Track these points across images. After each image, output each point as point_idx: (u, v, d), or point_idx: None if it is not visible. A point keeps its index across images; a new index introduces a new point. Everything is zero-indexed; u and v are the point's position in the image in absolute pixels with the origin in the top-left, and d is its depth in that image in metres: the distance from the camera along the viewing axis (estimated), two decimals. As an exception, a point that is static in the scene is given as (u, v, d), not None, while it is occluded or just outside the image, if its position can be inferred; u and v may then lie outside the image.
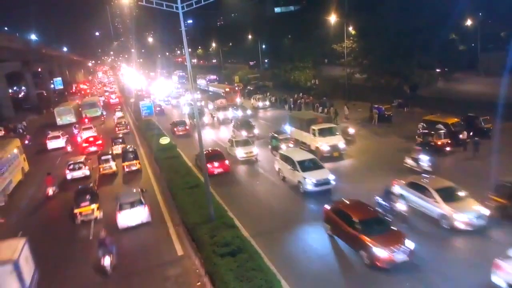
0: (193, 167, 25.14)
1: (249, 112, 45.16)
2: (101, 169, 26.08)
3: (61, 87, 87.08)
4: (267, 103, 50.70)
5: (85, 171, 26.01)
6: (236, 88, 59.69)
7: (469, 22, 54.84)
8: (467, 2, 41.08)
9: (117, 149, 30.36)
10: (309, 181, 20.09)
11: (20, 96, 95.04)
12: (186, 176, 20.66)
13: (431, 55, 38.31)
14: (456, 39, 48.44)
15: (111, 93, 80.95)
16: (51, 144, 36.28)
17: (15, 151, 27.57)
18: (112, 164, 26.29)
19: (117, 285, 14.28)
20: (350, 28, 48.52)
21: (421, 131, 27.63)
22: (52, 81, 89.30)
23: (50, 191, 23.40)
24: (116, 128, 41.58)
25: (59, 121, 49.52)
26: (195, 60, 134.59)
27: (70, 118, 50.11)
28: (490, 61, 49.59)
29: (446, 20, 36.47)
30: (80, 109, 55.88)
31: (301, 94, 49.90)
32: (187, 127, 38.80)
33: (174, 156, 25.41)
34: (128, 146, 29.66)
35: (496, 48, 53.87)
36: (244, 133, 32.60)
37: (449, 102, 37.70)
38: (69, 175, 25.64)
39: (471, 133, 26.60)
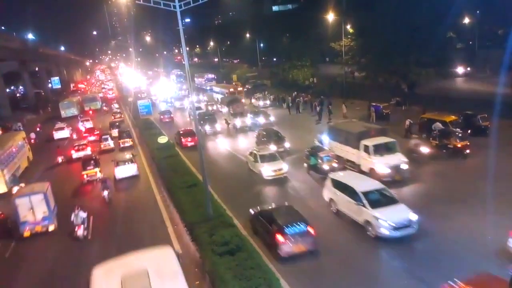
0: (192, 167, 25.12)
1: (272, 118, 39.13)
2: (102, 146, 33.70)
3: (59, 86, 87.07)
4: (268, 102, 50.07)
5: (86, 152, 31.66)
6: (240, 89, 56.93)
7: (466, 20, 55.03)
8: (465, 0, 41.16)
9: (115, 132, 37.77)
10: (385, 223, 14.54)
11: (17, 95, 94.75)
12: (185, 176, 20.66)
13: (429, 53, 38.30)
14: (454, 37, 48.52)
15: (109, 90, 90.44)
16: (57, 135, 41.44)
17: (21, 142, 31.97)
18: (110, 142, 34.19)
19: None
20: (348, 26, 48.54)
21: (436, 132, 25.11)
22: (49, 81, 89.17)
23: (60, 159, 31.92)
24: (112, 117, 49.83)
25: (64, 114, 56.04)
26: (196, 59, 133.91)
27: (73, 111, 56.99)
28: (488, 59, 49.78)
29: (444, 18, 36.47)
30: (82, 103, 63.73)
31: (295, 93, 49.57)
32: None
33: (172, 155, 25.40)
34: (122, 128, 39.87)
35: (494, 46, 54.07)
36: (272, 147, 26.90)
37: (447, 100, 37.75)
38: (75, 155, 31.60)
39: (469, 131, 26.69)
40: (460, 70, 51.72)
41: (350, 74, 48.49)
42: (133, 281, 9.08)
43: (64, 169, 30.73)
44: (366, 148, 21.46)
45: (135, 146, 34.87)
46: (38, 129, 45.64)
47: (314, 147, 24.77)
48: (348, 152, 23.26)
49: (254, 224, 16.40)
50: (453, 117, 27.37)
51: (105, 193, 21.89)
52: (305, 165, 23.74)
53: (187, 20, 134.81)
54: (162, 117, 46.46)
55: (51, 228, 18.81)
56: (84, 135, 39.01)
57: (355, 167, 22.32)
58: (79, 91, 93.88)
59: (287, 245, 13.84)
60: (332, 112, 38.40)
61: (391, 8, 38.26)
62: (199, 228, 14.39)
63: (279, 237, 13.95)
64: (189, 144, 31.84)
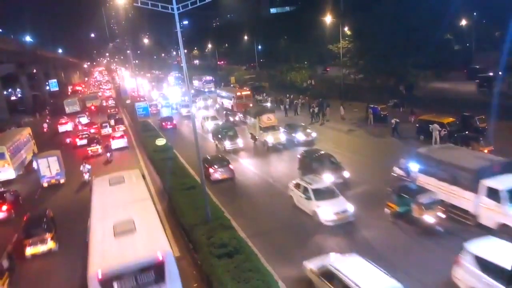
0: (190, 168, 25.06)
1: (314, 134, 31.30)
2: (102, 132, 41.18)
3: (57, 89, 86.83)
4: (269, 104, 48.93)
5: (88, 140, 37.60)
6: (248, 93, 51.14)
7: (464, 22, 55.27)
8: (462, 2, 41.33)
9: (111, 122, 44.97)
10: None
11: (14, 98, 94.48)
12: (184, 178, 20.64)
13: (427, 55, 38.41)
14: (451, 39, 48.68)
15: (106, 89, 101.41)
16: (62, 128, 47.69)
17: (28, 137, 35.65)
18: (109, 129, 41.57)
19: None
20: (346, 29, 48.61)
21: (459, 139, 23.08)
22: (47, 83, 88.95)
23: (68, 140, 40.68)
24: (109, 110, 59.04)
25: (68, 110, 63.39)
26: (196, 61, 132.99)
27: (76, 108, 64.79)
28: (485, 61, 49.90)
29: (441, 20, 36.62)
30: (85, 101, 72.02)
31: (290, 96, 49.43)
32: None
33: (170, 158, 25.36)
34: (117, 117, 48.05)
35: (491, 48, 54.29)
36: (328, 177, 20.37)
37: (444, 101, 37.86)
38: (79, 142, 37.66)
39: (466, 133, 26.75)
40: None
41: (354, 75, 47.78)
42: (116, 181, 16.99)
43: (71, 152, 36.69)
44: (493, 193, 14.60)
45: (126, 129, 42.75)
46: (47, 120, 55.54)
47: (404, 186, 17.34)
48: (457, 196, 16.11)
49: None
50: (451, 118, 27.44)
51: (108, 154, 32.33)
52: (387, 210, 16.81)
53: (185, 22, 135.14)
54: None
55: (62, 181, 26.95)
56: (85, 128, 45.21)
57: (470, 219, 15.54)
58: (79, 92, 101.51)
59: None
60: (326, 114, 38.72)
61: (388, 10, 38.38)
62: (197, 231, 14.37)
63: None
64: (169, 126, 39.71)
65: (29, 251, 16.43)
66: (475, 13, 53.90)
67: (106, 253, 11.11)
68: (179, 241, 16.56)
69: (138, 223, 12.41)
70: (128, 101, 61.97)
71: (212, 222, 14.85)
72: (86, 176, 26.20)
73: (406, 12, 36.81)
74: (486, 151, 21.58)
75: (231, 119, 42.56)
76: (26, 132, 36.00)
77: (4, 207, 21.26)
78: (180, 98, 59.05)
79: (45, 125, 51.39)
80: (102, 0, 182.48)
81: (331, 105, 40.76)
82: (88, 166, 26.85)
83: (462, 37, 57.09)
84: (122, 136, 35.93)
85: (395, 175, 20.54)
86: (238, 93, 49.62)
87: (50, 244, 16.69)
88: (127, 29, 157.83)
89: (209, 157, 25.10)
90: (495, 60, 39.17)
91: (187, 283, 13.67)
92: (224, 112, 45.93)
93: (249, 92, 50.81)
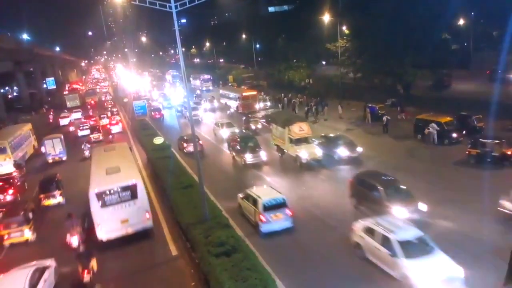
0: (187, 167, 25.06)
1: (359, 149, 25.55)
2: (101, 122, 45.24)
3: (54, 87, 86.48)
4: (268, 103, 48.55)
5: (88, 131, 41.26)
6: (254, 93, 48.16)
7: (461, 22, 55.37)
8: (460, 2, 41.37)
9: (108, 113, 49.36)
10: None
11: (11, 96, 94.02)
12: (181, 177, 20.62)
13: (424, 54, 38.48)
14: (449, 39, 48.75)
15: (103, 86, 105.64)
16: (62, 121, 51.22)
17: (28, 132, 36.93)
18: (107, 120, 46.17)
19: None
20: (344, 28, 48.63)
21: (481, 139, 22.65)
22: (44, 81, 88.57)
23: (71, 128, 46.44)
24: (105, 104, 65.34)
25: (68, 105, 66.86)
26: (197, 59, 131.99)
27: (76, 102, 68.91)
28: (483, 60, 50.04)
29: (439, 19, 36.69)
30: (84, 96, 76.18)
31: (283, 94, 49.40)
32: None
33: (168, 156, 25.32)
34: (114, 110, 53.30)
35: (488, 47, 54.45)
36: (400, 211, 15.45)
37: (442, 101, 37.95)
38: (80, 133, 41.71)
39: (463, 132, 26.84)
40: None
41: (354, 74, 47.75)
42: (109, 149, 23.09)
43: (72, 140, 39.80)
44: None
45: (121, 119, 47.80)
46: (51, 113, 59.42)
47: None
48: None
49: None
50: (448, 118, 27.51)
51: (110, 136, 39.97)
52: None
53: (183, 20, 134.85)
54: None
55: (64, 158, 32.33)
56: (84, 120, 48.75)
57: None
58: (78, 89, 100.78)
59: None
60: (324, 113, 38.96)
61: (386, 9, 38.41)
62: (194, 229, 14.36)
63: None
64: (157, 116, 47.28)
65: (44, 202, 21.79)
66: (472, 13, 53.98)
67: (100, 181, 17.21)
68: (176, 240, 16.57)
69: (122, 168, 18.37)
70: (125, 100, 61.77)
71: (209, 221, 14.84)
72: (87, 153, 31.23)
73: (404, 12, 36.86)
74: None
75: (253, 126, 36.15)
76: (27, 128, 37.29)
77: (11, 191, 23.64)
78: (183, 99, 53.69)
79: (51, 117, 56.63)
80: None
81: (329, 104, 40.79)
82: (88, 145, 32.80)
83: (459, 37, 57.19)
84: (117, 123, 43.92)
85: (505, 211, 15.45)
86: (244, 93, 47.01)
87: (59, 199, 22.15)
88: (125, 28, 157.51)
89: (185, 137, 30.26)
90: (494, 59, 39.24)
91: (185, 282, 13.70)
92: (244, 118, 38.77)
93: (255, 93, 48.24)
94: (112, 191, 16.38)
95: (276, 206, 16.37)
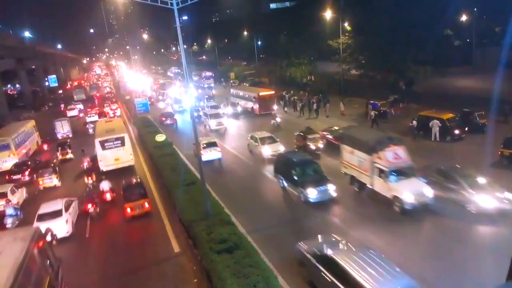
0: (190, 164, 25.05)
1: (510, 195, 16.19)
2: (104, 110, 52.98)
3: (56, 84, 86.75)
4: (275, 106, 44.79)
5: (95, 117, 47.63)
6: (272, 92, 43.17)
7: (464, 18, 55.11)
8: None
9: (109, 104, 56.37)
10: None
11: (11, 93, 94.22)
12: (183, 174, 20.63)
13: (427, 51, 38.33)
14: (451, 35, 48.54)
15: (105, 81, 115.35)
16: (70, 113, 56.30)
17: (32, 129, 38.18)
18: (108, 108, 54.13)
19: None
20: (346, 24, 48.47)
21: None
22: (46, 79, 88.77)
23: (81, 114, 56.14)
24: (107, 94, 76.01)
25: (76, 98, 74.51)
26: (204, 57, 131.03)
27: (82, 96, 76.99)
28: (485, 57, 49.87)
29: (441, 15, 36.52)
30: (89, 90, 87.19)
31: (290, 91, 49.23)
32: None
33: (170, 154, 25.37)
34: (113, 100, 62.63)
35: (491, 43, 54.18)
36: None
37: (444, 97, 37.84)
38: (88, 119, 47.19)
39: (466, 129, 26.76)
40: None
41: (357, 70, 47.59)
42: (108, 121, 35.78)
43: (82, 124, 47.22)
44: None
45: (119, 106, 56.72)
46: (62, 102, 66.58)
47: None
48: None
49: None
50: (451, 114, 27.42)
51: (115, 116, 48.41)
52: None
53: (185, 17, 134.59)
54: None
55: (70, 135, 40.68)
56: (88, 109, 55.44)
57: None
58: (83, 84, 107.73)
59: None
60: (321, 108, 39.13)
61: (388, 5, 38.27)
62: (197, 226, 14.39)
63: None
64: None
65: (61, 157, 31.04)
66: (475, 9, 53.73)
67: (101, 134, 26.70)
68: (179, 237, 16.62)
69: (115, 128, 28.13)
70: (127, 97, 61.78)
71: (212, 218, 14.87)
72: (90, 130, 38.67)
73: (406, 8, 36.70)
74: None
75: (312, 146, 25.99)
76: (31, 125, 38.32)
77: (27, 172, 27.65)
78: (197, 100, 48.43)
79: (62, 106, 64.00)
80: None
81: (330, 101, 40.72)
82: (91, 125, 40.06)
83: (462, 33, 56.97)
84: (117, 108, 54.78)
85: None
86: (261, 93, 42.00)
87: (71, 155, 31.40)
88: (127, 25, 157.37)
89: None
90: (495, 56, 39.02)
91: (188, 279, 13.76)
92: (298, 133, 27.56)
93: (273, 92, 43.21)
94: (109, 140, 25.81)
95: None
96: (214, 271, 11.65)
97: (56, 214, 17.58)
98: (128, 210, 18.45)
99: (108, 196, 20.98)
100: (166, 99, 58.48)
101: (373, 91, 40.34)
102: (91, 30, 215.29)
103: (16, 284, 8.98)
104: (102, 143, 25.56)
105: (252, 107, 43.00)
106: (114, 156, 25.70)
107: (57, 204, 18.38)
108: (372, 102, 36.15)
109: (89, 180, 23.62)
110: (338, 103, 39.62)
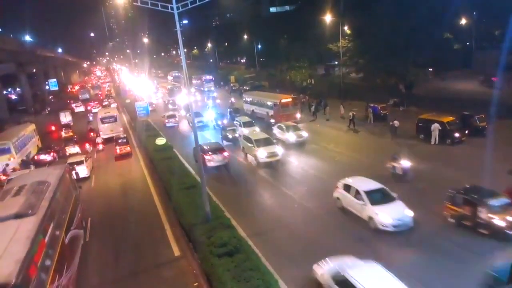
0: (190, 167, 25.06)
1: None
2: (104, 104, 64.72)
3: (56, 88, 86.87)
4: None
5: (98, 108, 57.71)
6: (295, 98, 39.72)
7: (463, 21, 55.28)
8: (462, 1, 41.30)
9: (107, 101, 67.30)
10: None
11: (14, 97, 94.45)
12: (183, 177, 20.64)
13: (426, 54, 38.40)
14: (451, 38, 48.67)
15: (105, 82, 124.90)
16: (77, 110, 65.28)
17: (32, 132, 38.86)
18: (108, 102, 65.95)
19: None
20: (346, 28, 48.59)
21: None
22: (47, 82, 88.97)
23: (88, 107, 64.29)
24: (107, 92, 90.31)
25: (81, 97, 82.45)
26: (211, 60, 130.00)
27: (87, 95, 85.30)
28: (485, 60, 49.95)
29: (441, 19, 36.62)
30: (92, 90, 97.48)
31: (291, 95, 49.16)
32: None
33: (170, 157, 25.37)
34: (112, 96, 77.09)
35: (490, 46, 54.32)
36: None
37: (444, 100, 37.88)
38: (93, 111, 57.84)
39: (466, 132, 26.76)
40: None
41: (357, 74, 47.53)
42: (107, 106, 62.05)
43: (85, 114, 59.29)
44: None
45: (115, 101, 68.40)
46: (68, 100, 76.45)
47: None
48: None
49: None
50: (451, 117, 27.40)
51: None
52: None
53: (185, 21, 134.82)
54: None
55: (71, 123, 49.97)
56: (92, 104, 65.70)
57: None
58: (86, 86, 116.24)
59: None
60: (326, 112, 39.24)
61: (388, 9, 38.37)
62: (197, 230, 14.37)
63: None
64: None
65: (64, 135, 42.14)
66: (475, 12, 53.90)
67: (102, 114, 40.04)
68: (179, 240, 16.58)
69: (110, 111, 41.78)
70: (127, 101, 61.87)
71: (212, 222, 14.85)
72: (91, 118, 50.88)
73: (406, 11, 36.80)
74: None
75: (400, 172, 20.27)
76: (31, 128, 39.01)
77: (51, 154, 33.59)
78: (221, 113, 41.50)
79: (72, 104, 71.37)
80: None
81: (330, 104, 40.75)
82: (91, 114, 52.42)
83: (461, 36, 57.12)
84: (114, 102, 66.14)
85: None
86: (284, 100, 37.62)
87: (77, 149, 35.75)
88: (127, 29, 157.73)
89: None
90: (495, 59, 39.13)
91: (188, 283, 13.72)
92: (394, 156, 21.12)
93: (294, 98, 39.46)
94: (107, 117, 38.93)
95: None
96: (215, 274, 11.63)
97: (81, 162, 27.11)
98: (118, 150, 31.83)
99: (101, 147, 35.98)
100: (178, 109, 50.34)
101: (373, 94, 40.38)
102: (92, 34, 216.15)
103: (59, 188, 15.24)
104: (102, 120, 38.61)
105: (271, 115, 37.90)
106: (110, 128, 38.48)
107: (79, 156, 28.95)
108: (372, 105, 36.18)
109: (97, 143, 36.59)
110: (338, 106, 39.62)
